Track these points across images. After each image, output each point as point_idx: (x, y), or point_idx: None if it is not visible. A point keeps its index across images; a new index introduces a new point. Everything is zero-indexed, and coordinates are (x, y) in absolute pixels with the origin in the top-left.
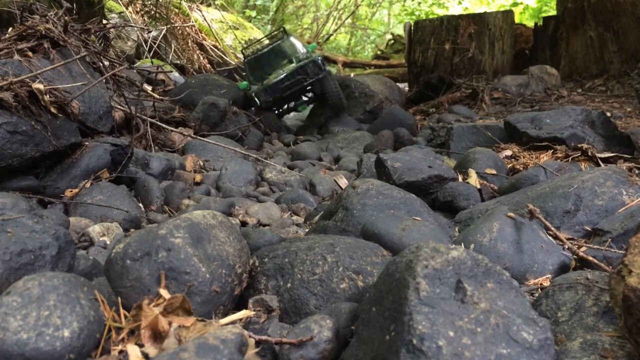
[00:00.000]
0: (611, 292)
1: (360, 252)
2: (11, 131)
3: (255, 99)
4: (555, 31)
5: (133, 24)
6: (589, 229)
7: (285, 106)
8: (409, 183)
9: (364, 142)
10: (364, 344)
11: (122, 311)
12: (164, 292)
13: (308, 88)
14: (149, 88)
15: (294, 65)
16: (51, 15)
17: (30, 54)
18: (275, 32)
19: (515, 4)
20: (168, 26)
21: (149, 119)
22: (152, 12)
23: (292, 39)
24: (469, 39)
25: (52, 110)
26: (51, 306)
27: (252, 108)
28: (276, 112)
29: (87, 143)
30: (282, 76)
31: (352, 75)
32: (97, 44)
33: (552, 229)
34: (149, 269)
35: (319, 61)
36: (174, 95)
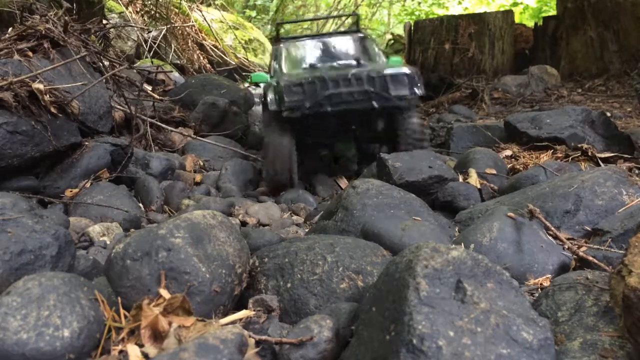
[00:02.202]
0: (611, 292)
1: (360, 252)
2: (11, 131)
3: (276, 96)
4: (555, 31)
5: (133, 24)
6: (589, 229)
7: (317, 136)
8: (410, 183)
9: None
10: (364, 344)
11: (122, 311)
12: (164, 292)
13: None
14: (149, 88)
15: (363, 69)
16: (51, 15)
17: (30, 54)
18: (344, 15)
19: (515, 4)
20: (168, 26)
21: (149, 119)
22: (152, 12)
23: (367, 36)
24: (469, 39)
25: (52, 110)
26: (51, 306)
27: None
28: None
29: (87, 143)
30: (336, 76)
31: None
32: (97, 44)
33: (552, 229)
34: (149, 269)
35: (414, 76)
36: (174, 95)
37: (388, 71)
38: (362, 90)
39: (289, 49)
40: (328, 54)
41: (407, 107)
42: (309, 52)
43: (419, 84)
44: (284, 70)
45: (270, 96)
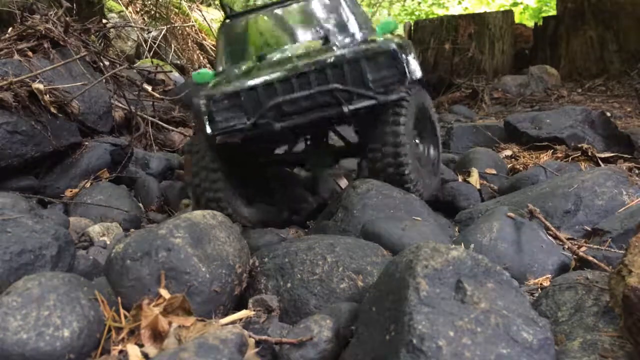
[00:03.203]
0: (611, 292)
1: (360, 252)
2: (11, 131)
3: (204, 115)
4: (555, 31)
5: (133, 24)
6: (589, 229)
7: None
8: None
9: None
10: (364, 344)
11: (122, 311)
12: (164, 292)
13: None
14: (149, 88)
15: (327, 55)
16: (51, 15)
17: (30, 54)
18: None
19: (515, 4)
20: (168, 26)
21: (150, 118)
22: (152, 12)
23: None
24: (469, 39)
25: (52, 110)
26: (51, 306)
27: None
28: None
29: (87, 143)
30: (286, 75)
31: None
32: (97, 44)
33: (552, 229)
34: (149, 269)
35: (404, 52)
36: (174, 95)
37: (362, 50)
38: (326, 89)
39: (234, 31)
40: (286, 31)
41: (396, 100)
42: (260, 32)
43: (411, 64)
44: (224, 64)
45: (202, 111)
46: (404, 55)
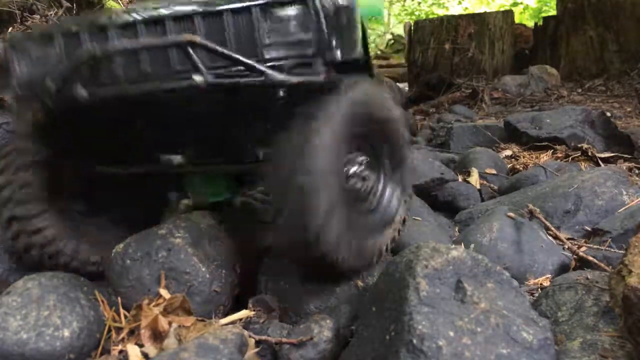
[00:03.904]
0: (611, 292)
1: None
2: (11, 131)
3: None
4: (555, 31)
5: None
6: (589, 229)
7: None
8: (412, 186)
9: None
10: (364, 344)
11: (122, 311)
12: (164, 292)
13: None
14: None
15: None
16: (51, 15)
17: None
18: None
19: (515, 4)
20: None
21: None
22: None
23: None
24: (469, 39)
25: None
26: (51, 306)
27: None
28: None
29: None
30: (106, 21)
31: None
32: None
33: (552, 229)
34: (149, 269)
35: (312, 2)
36: None
37: None
38: (174, 43)
39: None
40: None
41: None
42: None
43: (345, 34)
44: None
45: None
46: (331, 15)
